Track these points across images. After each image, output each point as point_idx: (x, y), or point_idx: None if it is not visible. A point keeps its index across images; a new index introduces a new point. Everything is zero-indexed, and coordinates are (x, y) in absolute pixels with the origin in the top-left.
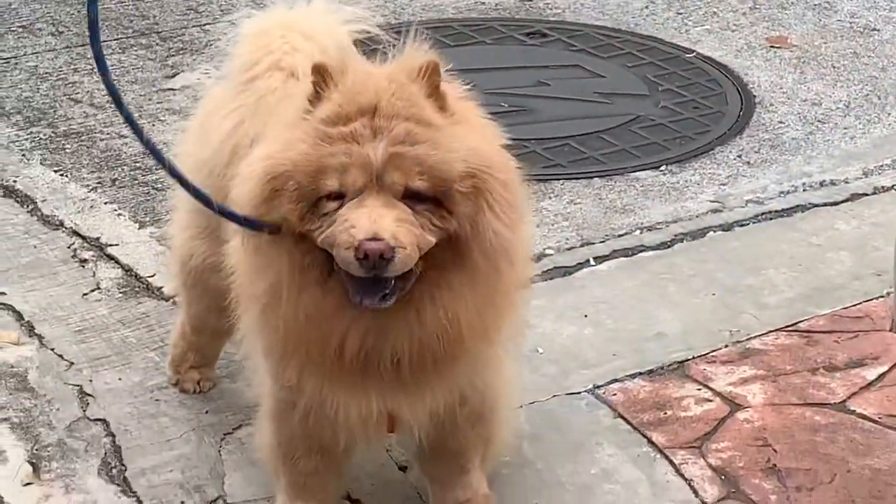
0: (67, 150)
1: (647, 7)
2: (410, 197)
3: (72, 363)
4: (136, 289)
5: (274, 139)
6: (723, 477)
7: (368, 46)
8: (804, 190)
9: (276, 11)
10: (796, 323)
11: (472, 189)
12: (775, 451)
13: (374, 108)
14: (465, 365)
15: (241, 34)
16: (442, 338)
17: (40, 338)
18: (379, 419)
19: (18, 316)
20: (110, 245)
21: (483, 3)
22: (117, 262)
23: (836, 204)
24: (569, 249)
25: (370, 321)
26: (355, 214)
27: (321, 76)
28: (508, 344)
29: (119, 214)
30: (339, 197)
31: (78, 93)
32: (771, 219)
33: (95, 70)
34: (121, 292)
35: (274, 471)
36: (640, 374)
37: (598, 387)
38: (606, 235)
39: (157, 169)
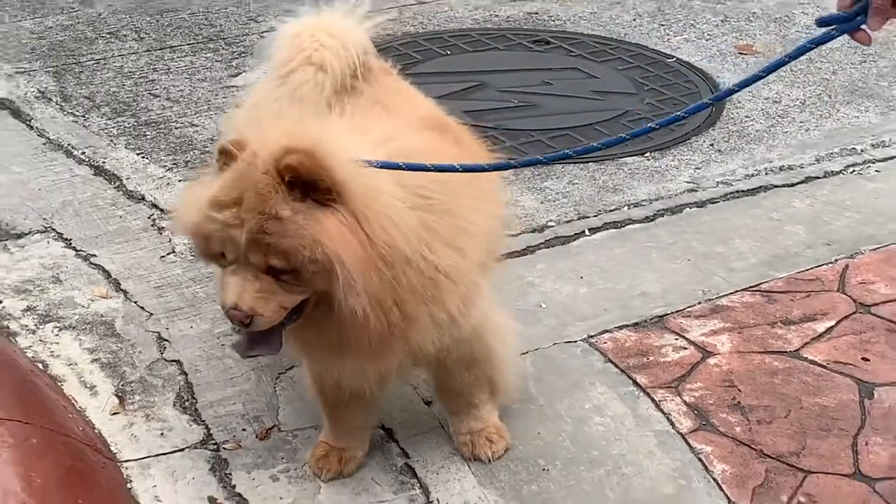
0: (148, 137)
1: (634, 20)
2: (273, 269)
3: (151, 314)
4: None
5: (191, 193)
6: (695, 412)
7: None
8: (766, 173)
9: (305, 16)
10: (759, 284)
11: (320, 270)
12: (740, 390)
13: (241, 201)
14: (422, 333)
15: (277, 37)
16: (339, 348)
17: (125, 292)
18: (362, 373)
19: (107, 274)
20: None
21: (497, 16)
22: None
23: (792, 185)
24: (567, 222)
25: (295, 325)
26: (228, 281)
27: (223, 157)
28: (501, 302)
29: None
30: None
31: (156, 89)
32: (738, 197)
33: (174, 70)
34: (192, 255)
35: (316, 405)
36: (627, 326)
37: (592, 336)
38: (599, 210)
39: None
